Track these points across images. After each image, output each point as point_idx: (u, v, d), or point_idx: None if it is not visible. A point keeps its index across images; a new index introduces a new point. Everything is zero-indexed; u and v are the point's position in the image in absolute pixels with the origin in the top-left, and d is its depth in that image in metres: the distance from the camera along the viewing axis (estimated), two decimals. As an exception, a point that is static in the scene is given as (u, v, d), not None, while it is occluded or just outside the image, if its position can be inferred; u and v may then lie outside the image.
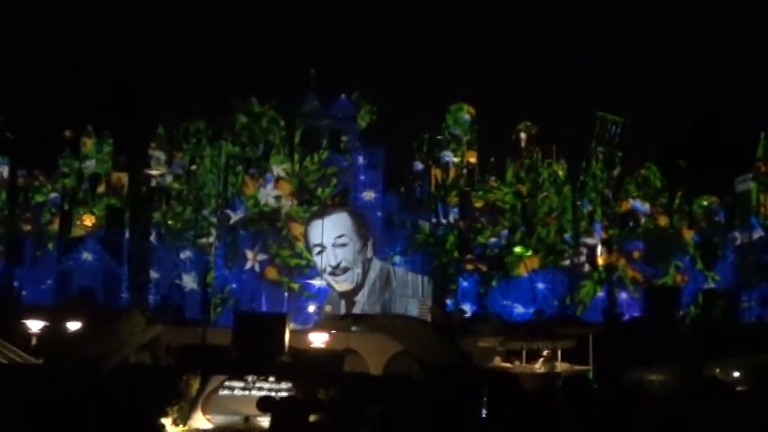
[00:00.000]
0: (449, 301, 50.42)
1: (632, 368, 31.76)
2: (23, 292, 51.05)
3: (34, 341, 34.53)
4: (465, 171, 53.78)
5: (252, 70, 71.31)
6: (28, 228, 52.75)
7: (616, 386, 19.22)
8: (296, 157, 53.08)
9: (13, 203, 52.80)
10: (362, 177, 52.81)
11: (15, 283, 51.46)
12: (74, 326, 35.25)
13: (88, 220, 52.71)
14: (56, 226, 52.83)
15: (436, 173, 52.72)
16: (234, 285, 51.04)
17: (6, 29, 64.85)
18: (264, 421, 19.45)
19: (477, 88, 57.19)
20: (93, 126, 54.55)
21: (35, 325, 35.44)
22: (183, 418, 24.67)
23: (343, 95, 53.87)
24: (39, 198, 53.13)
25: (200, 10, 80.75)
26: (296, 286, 50.95)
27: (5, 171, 53.45)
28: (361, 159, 53.01)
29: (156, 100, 67.59)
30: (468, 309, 50.93)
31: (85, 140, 54.25)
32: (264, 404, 17.34)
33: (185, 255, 51.91)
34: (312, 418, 18.00)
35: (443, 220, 51.90)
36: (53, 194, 53.24)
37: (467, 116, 54.19)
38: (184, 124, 54.84)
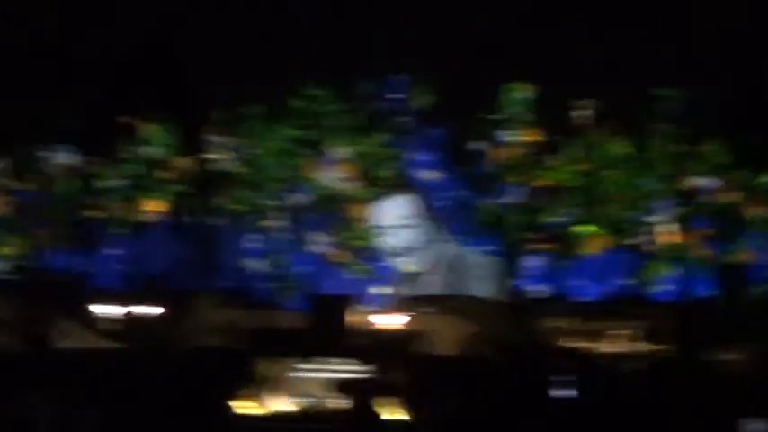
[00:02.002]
0: (516, 282, 50.51)
1: (708, 348, 31.77)
2: (94, 278, 51.88)
3: (110, 326, 35.23)
4: (526, 150, 53.85)
5: (309, 53, 71.50)
6: (97, 214, 53.59)
7: (697, 366, 19.40)
8: (356, 139, 53.31)
9: (81, 191, 53.67)
10: (423, 157, 53.01)
11: (88, 270, 52.32)
12: (145, 310, 35.89)
13: (154, 206, 53.45)
14: (122, 212, 53.62)
15: (497, 152, 52.82)
16: (301, 268, 51.48)
17: (66, 18, 65.62)
18: (340, 403, 19.85)
19: (536, 65, 56.95)
20: (155, 112, 55.20)
21: (108, 310, 36.17)
22: (257, 401, 25.16)
23: (401, 75, 54.03)
24: (106, 185, 53.94)
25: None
26: (363, 268, 51.25)
27: (71, 159, 54.33)
28: (421, 139, 53.21)
29: (217, 84, 67.87)
30: (536, 289, 51.02)
31: (148, 126, 54.91)
32: (338, 388, 17.75)
33: (251, 239, 52.39)
34: (385, 400, 18.35)
35: (506, 200, 52.05)
36: (119, 181, 54.01)
37: (524, 94, 54.20)
38: (245, 108, 55.24)
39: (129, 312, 35.83)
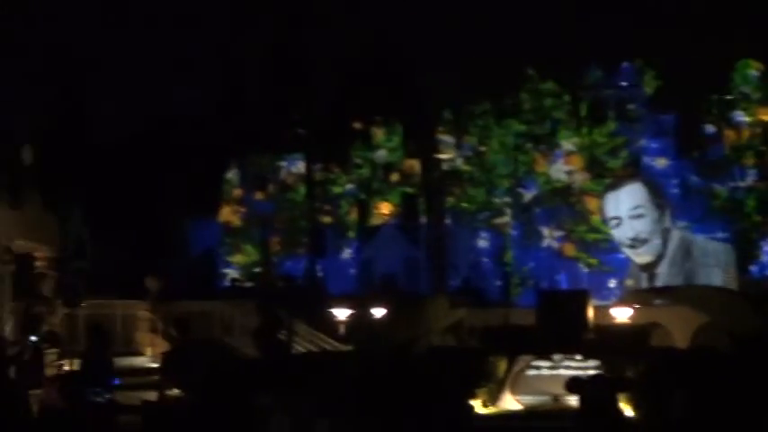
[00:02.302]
0: (753, 268, 48.77)
1: None
2: (328, 282, 52.94)
3: (342, 329, 35.75)
4: (759, 130, 51.73)
5: (532, 45, 70.87)
6: (328, 220, 54.70)
7: None
8: (583, 130, 52.52)
9: (313, 197, 54.76)
10: (654, 145, 51.87)
11: (320, 274, 53.44)
12: (379, 312, 36.21)
13: (385, 209, 54.14)
14: (354, 216, 54.51)
15: (729, 134, 50.98)
16: (532, 264, 51.19)
17: (294, 29, 66.99)
18: (574, 400, 19.49)
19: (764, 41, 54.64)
20: (382, 115, 55.80)
21: (342, 313, 36.69)
22: (492, 400, 25.03)
23: (626, 63, 52.91)
24: (336, 190, 54.96)
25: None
26: (594, 261, 50.58)
27: (302, 166, 55.49)
28: (650, 127, 52.04)
29: (442, 84, 68.11)
30: (775, 275, 49.05)
31: (375, 130, 55.61)
32: (573, 385, 17.35)
33: (481, 237, 52.45)
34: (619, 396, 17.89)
35: (741, 183, 50.20)
36: (349, 186, 54.95)
37: (755, 72, 52.11)
38: (471, 106, 55.22)
39: (363, 314, 36.23)
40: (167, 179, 55.77)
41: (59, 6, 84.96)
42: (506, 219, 52.61)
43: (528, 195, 52.56)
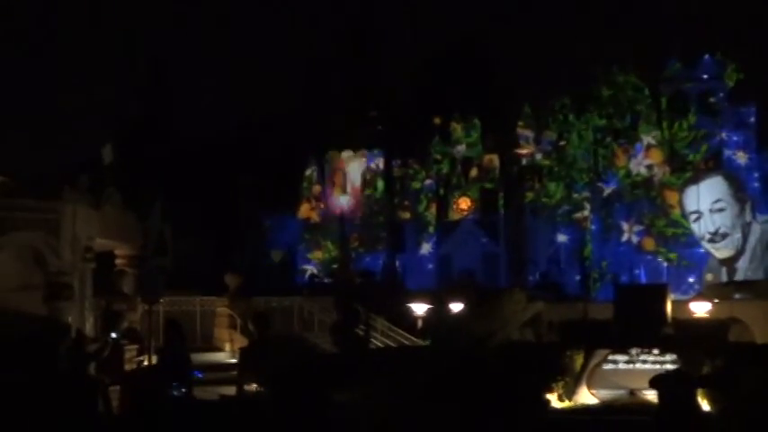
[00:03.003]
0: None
1: None
2: (407, 277, 53.08)
3: (420, 324, 35.80)
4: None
5: (613, 39, 70.46)
6: (407, 215, 54.82)
7: None
8: (664, 123, 52.02)
9: (392, 193, 54.94)
10: (735, 138, 51.19)
11: (399, 269, 53.60)
12: (457, 307, 36.18)
13: (464, 204, 54.09)
14: (433, 211, 54.56)
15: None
16: (611, 259, 50.83)
17: (374, 25, 67.24)
18: (651, 394, 19.31)
19: None
20: (460, 110, 55.75)
21: (419, 308, 36.75)
22: (568, 394, 24.91)
23: (707, 55, 52.28)
24: (415, 185, 55.05)
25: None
26: (674, 256, 50.06)
27: (381, 162, 55.68)
28: (731, 120, 51.35)
29: (521, 78, 68.06)
30: None
31: (454, 126, 55.59)
32: (654, 381, 17.22)
33: (561, 232, 52.21)
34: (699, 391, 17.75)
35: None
36: (428, 181, 55.01)
37: None
38: (550, 100, 54.96)
39: (440, 309, 36.23)
40: (247, 176, 56.26)
41: (143, 6, 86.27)
42: (585, 213, 52.26)
43: (607, 190, 52.15)
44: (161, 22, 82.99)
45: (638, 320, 29.55)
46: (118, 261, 33.17)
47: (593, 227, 51.85)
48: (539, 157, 54.33)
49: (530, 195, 53.73)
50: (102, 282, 31.28)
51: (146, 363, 24.65)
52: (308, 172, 56.54)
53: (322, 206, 56.11)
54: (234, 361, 30.95)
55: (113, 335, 24.79)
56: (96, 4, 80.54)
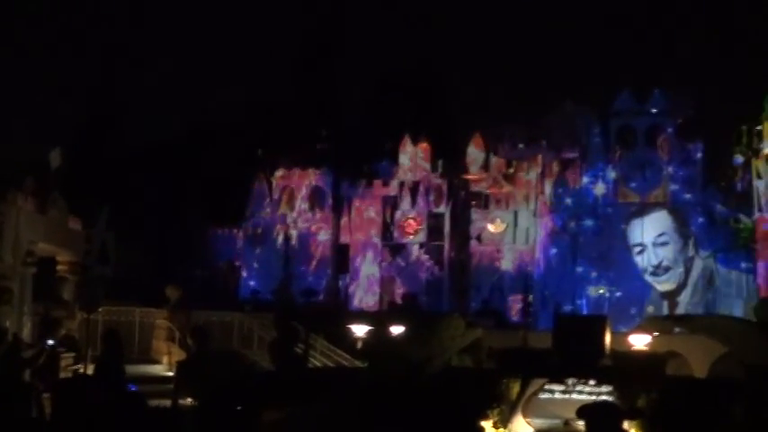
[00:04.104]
0: (772, 299, 48.35)
1: None
2: (349, 298, 53.21)
3: (359, 345, 35.84)
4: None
5: (563, 70, 71.09)
6: (350, 237, 54.89)
7: None
8: (612, 155, 52.64)
9: (338, 212, 55.03)
10: (681, 173, 51.82)
11: (342, 290, 53.71)
12: (398, 330, 36.27)
13: (410, 227, 54.24)
14: (380, 233, 54.64)
15: (758, 165, 50.73)
16: (555, 288, 51.28)
17: (326, 44, 67.40)
18: (580, 425, 19.48)
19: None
20: (410, 133, 55.95)
21: (360, 329, 36.71)
22: (503, 421, 25.04)
23: (657, 90, 52.96)
24: (362, 206, 55.06)
25: (506, 10, 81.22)
26: (613, 288, 50.63)
27: (330, 181, 55.69)
28: (678, 155, 52.02)
29: (472, 104, 68.47)
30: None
31: (403, 148, 55.73)
32: (581, 410, 17.42)
33: (505, 258, 52.58)
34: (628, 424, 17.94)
35: (767, 215, 49.95)
36: (374, 203, 55.01)
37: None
38: (501, 128, 55.43)
39: (381, 331, 36.31)
40: (194, 188, 56.11)
41: (92, 11, 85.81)
42: (530, 242, 52.72)
43: (554, 219, 52.64)
44: (112, 23, 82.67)
45: (577, 351, 29.77)
46: (59, 267, 32.99)
47: (538, 255, 52.28)
48: (488, 183, 54.65)
49: (477, 221, 54.05)
50: (43, 287, 31.12)
51: (81, 371, 24.52)
52: (255, 184, 56.36)
53: (268, 221, 55.97)
54: (171, 374, 30.84)
55: (50, 342, 24.63)
56: (47, 3, 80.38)
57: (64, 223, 32.98)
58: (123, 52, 70.60)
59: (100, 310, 28.91)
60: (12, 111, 72.48)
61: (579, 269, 51.53)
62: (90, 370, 22.97)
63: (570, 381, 25.31)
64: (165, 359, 35.56)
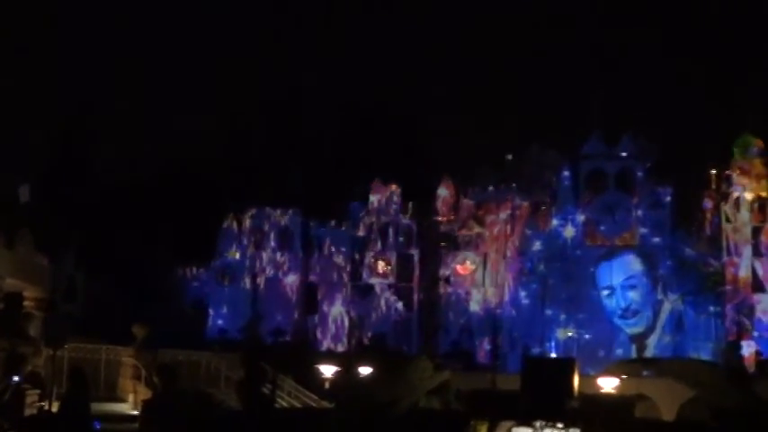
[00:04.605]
0: (744, 343, 48.65)
1: None
2: (317, 338, 53.08)
3: (327, 385, 35.73)
4: (757, 206, 51.74)
5: (535, 112, 71.50)
6: (319, 277, 54.80)
7: None
8: (582, 198, 52.93)
9: (307, 253, 54.95)
10: (650, 217, 52.13)
11: (310, 330, 53.59)
12: (366, 371, 36.20)
13: (380, 267, 54.25)
14: (348, 273, 54.57)
15: (726, 209, 51.09)
16: (524, 330, 51.39)
17: (292, 81, 67.64)
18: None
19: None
20: (380, 174, 56.00)
21: (328, 370, 36.62)
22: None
23: (627, 135, 53.36)
24: (331, 247, 55.01)
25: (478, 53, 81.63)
26: (580, 331, 50.82)
27: (298, 221, 55.59)
28: (648, 199, 52.35)
29: (441, 146, 68.68)
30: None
31: (373, 189, 55.74)
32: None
33: (474, 300, 52.69)
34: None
35: (735, 259, 50.27)
36: (343, 246, 55.01)
37: (755, 149, 52.29)
38: (471, 170, 55.67)
39: (348, 372, 36.27)
40: (162, 227, 55.90)
41: (63, 46, 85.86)
42: (500, 283, 52.85)
43: (524, 261, 52.86)
44: (83, 63, 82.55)
45: (545, 393, 29.80)
46: (26, 303, 32.84)
47: (507, 297, 52.37)
48: (457, 225, 54.80)
49: (446, 263, 54.15)
50: (9, 323, 30.94)
51: (46, 409, 24.37)
52: (225, 224, 56.09)
53: (237, 261, 55.69)
54: (136, 413, 30.67)
55: (16, 378, 24.49)
56: (19, 40, 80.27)
57: (31, 259, 32.87)
58: (92, 90, 70.74)
59: (66, 346, 28.79)
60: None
61: (548, 311, 51.64)
62: (55, 407, 22.84)
63: (538, 423, 25.39)
64: (130, 397, 35.38)
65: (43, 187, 50.32)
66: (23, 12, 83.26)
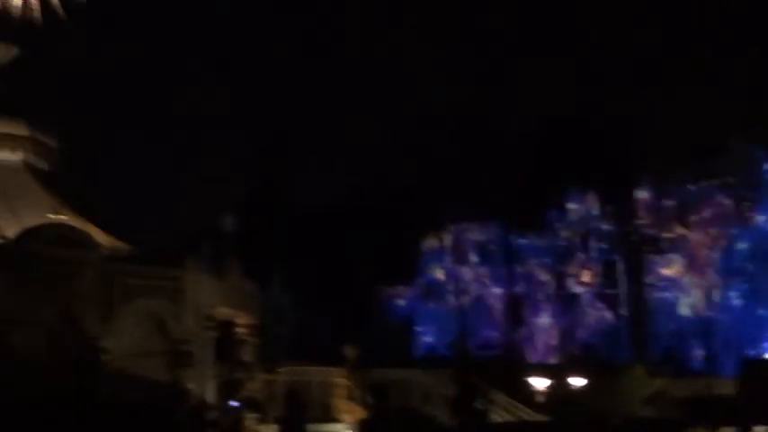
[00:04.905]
0: None
1: None
2: (525, 351, 52.77)
3: (539, 398, 35.53)
4: None
5: (737, 108, 69.60)
6: (523, 288, 54.55)
7: None
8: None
9: (510, 265, 54.76)
10: None
11: (518, 342, 53.36)
12: (577, 382, 35.87)
13: (585, 276, 53.65)
14: (552, 283, 54.16)
15: None
16: (739, 331, 49.96)
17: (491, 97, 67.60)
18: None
19: None
20: (579, 181, 55.45)
21: (539, 383, 36.42)
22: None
23: None
24: (533, 257, 54.73)
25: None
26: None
27: (498, 234, 55.48)
28: None
29: (637, 148, 67.56)
30: None
31: (571, 196, 55.25)
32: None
33: (683, 303, 51.54)
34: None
35: None
36: (546, 253, 54.67)
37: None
38: (669, 171, 54.60)
39: (561, 384, 35.99)
40: (366, 248, 56.60)
41: (262, 82, 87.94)
42: (709, 284, 51.53)
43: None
44: (278, 92, 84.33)
45: (765, 396, 28.94)
46: (238, 330, 33.65)
47: (717, 299, 50.99)
48: (659, 228, 53.81)
49: (651, 266, 53.18)
50: (223, 350, 31.76)
51: (265, 432, 24.94)
52: (425, 242, 56.38)
53: (441, 277, 55.95)
54: (352, 432, 31.09)
55: (233, 403, 25.13)
56: (210, 78, 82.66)
57: (240, 286, 33.66)
58: (288, 119, 72.26)
59: (280, 370, 29.36)
60: (185, 179, 74.73)
61: (761, 311, 50.02)
62: (273, 430, 23.33)
63: (759, 428, 24.73)
64: (345, 417, 35.81)
65: (249, 215, 51.56)
66: (225, 50, 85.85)
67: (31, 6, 39.16)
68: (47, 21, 39.50)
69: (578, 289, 53.79)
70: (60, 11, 39.41)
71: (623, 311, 52.76)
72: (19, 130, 38.82)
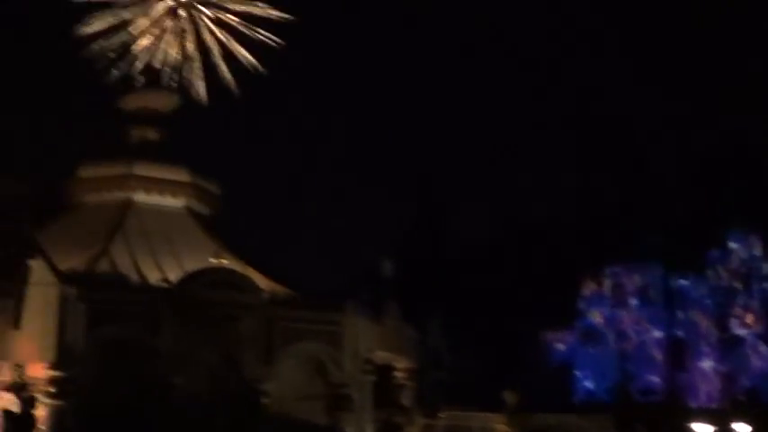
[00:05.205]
0: None
1: None
2: (687, 395, 51.66)
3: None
4: None
5: None
6: (685, 331, 53.50)
7: None
8: None
9: (670, 308, 53.77)
10: None
11: (679, 386, 52.28)
12: (742, 428, 35.03)
13: (749, 318, 52.41)
14: (713, 326, 52.99)
15: None
16: None
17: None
18: None
19: None
20: (739, 222, 54.26)
21: (702, 428, 35.69)
22: None
23: None
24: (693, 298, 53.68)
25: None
26: None
27: (656, 277, 54.57)
28: None
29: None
30: None
31: (732, 236, 54.08)
32: None
33: None
34: None
35: None
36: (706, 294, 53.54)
37: None
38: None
39: (724, 430, 35.18)
40: (523, 290, 56.25)
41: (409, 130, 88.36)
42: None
43: None
44: (434, 131, 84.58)
45: None
46: (397, 374, 33.71)
47: None
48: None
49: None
50: (382, 394, 31.84)
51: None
52: (583, 285, 55.73)
53: (600, 320, 55.21)
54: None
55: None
56: (362, 123, 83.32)
57: (399, 330, 33.78)
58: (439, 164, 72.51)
59: (440, 415, 29.29)
60: (342, 221, 75.46)
61: None
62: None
63: None
64: (506, 463, 35.52)
65: (405, 259, 51.76)
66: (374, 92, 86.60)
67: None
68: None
69: (741, 331, 52.50)
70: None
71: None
72: (181, 176, 39.86)
